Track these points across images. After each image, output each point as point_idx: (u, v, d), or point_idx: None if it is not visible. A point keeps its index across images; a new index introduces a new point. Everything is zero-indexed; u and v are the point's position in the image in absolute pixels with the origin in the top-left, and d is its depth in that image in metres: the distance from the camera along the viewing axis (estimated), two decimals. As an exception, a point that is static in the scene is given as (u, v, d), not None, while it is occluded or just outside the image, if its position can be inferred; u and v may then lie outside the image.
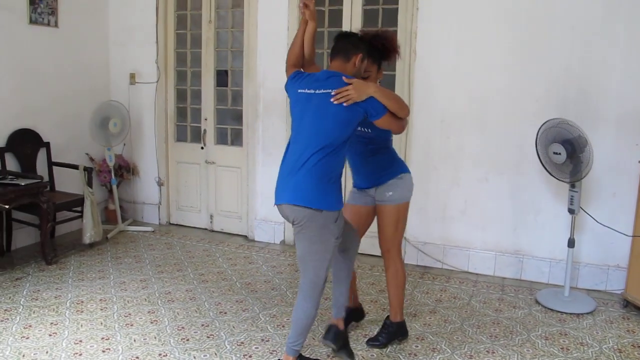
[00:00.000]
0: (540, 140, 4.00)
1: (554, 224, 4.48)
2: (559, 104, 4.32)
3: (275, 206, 2.98)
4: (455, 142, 4.72)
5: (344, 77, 2.84)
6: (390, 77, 4.81)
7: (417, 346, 3.45)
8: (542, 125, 3.99)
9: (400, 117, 2.95)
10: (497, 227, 4.68)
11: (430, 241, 4.90)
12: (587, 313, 3.97)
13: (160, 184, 6.05)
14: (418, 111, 4.71)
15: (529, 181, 4.52)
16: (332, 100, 2.78)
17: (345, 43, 2.98)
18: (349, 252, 3.17)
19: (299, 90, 2.93)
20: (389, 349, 3.40)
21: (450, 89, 4.67)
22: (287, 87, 3.06)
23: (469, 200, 4.72)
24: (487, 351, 3.40)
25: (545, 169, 4.04)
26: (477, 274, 4.75)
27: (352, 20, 4.92)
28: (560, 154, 3.89)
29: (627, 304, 4.07)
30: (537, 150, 4.03)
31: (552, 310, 4.02)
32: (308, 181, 2.80)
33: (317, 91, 2.85)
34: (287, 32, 5.12)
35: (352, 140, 2.99)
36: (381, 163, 3.28)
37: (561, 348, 3.46)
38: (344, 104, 2.78)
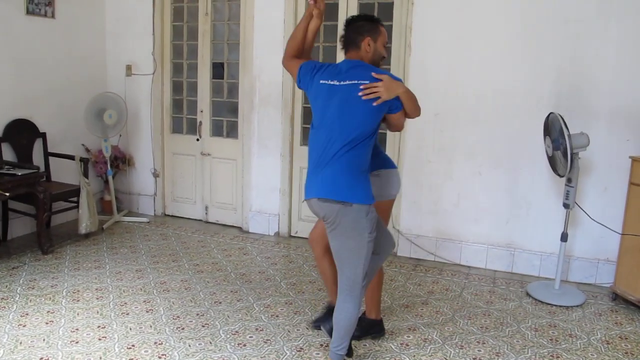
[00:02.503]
0: (544, 133, 4.10)
1: (545, 217, 4.54)
2: (551, 99, 4.38)
3: (305, 202, 2.88)
4: (449, 135, 4.76)
5: (373, 73, 2.76)
6: (385, 71, 4.83)
7: (410, 336, 3.50)
8: (545, 119, 4.07)
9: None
10: (489, 220, 4.73)
11: (423, 234, 4.95)
12: (577, 306, 4.04)
13: (155, 175, 6.07)
14: (412, 105, 4.74)
15: (521, 175, 4.58)
16: (360, 94, 2.70)
17: (349, 32, 2.89)
18: (379, 256, 3.00)
19: (322, 82, 2.83)
20: (381, 340, 3.45)
21: (444, 83, 4.71)
22: (305, 79, 2.93)
23: (462, 193, 4.77)
24: (477, 342, 3.46)
25: (550, 162, 4.12)
26: (469, 266, 4.80)
27: (348, 15, 4.94)
28: (549, 147, 3.98)
29: (615, 297, 4.14)
30: (544, 143, 4.14)
31: (542, 302, 4.08)
32: (336, 174, 2.72)
33: (341, 82, 2.76)
34: (284, 24, 5.15)
35: None
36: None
37: (550, 339, 3.52)
38: (373, 103, 2.71)
